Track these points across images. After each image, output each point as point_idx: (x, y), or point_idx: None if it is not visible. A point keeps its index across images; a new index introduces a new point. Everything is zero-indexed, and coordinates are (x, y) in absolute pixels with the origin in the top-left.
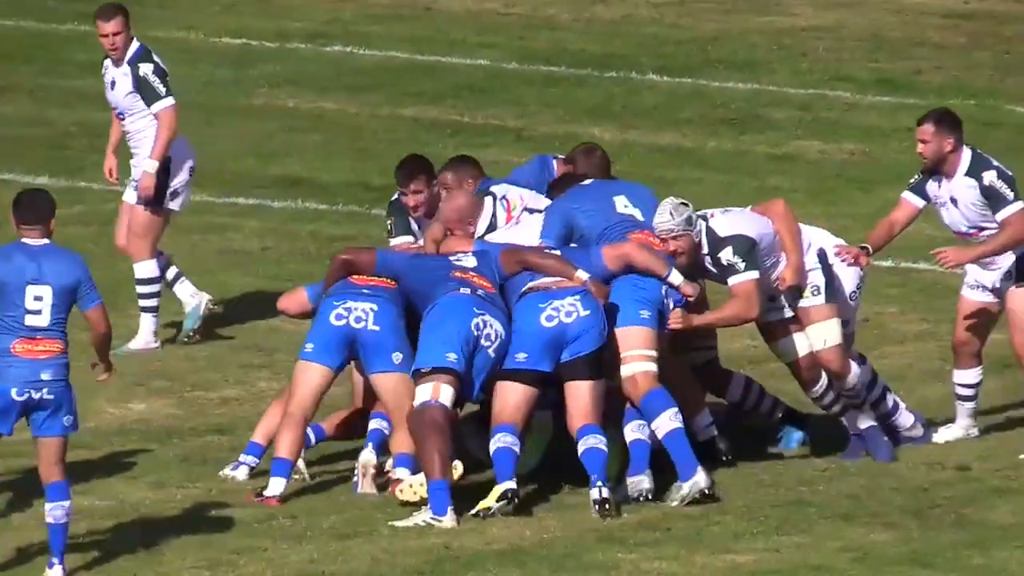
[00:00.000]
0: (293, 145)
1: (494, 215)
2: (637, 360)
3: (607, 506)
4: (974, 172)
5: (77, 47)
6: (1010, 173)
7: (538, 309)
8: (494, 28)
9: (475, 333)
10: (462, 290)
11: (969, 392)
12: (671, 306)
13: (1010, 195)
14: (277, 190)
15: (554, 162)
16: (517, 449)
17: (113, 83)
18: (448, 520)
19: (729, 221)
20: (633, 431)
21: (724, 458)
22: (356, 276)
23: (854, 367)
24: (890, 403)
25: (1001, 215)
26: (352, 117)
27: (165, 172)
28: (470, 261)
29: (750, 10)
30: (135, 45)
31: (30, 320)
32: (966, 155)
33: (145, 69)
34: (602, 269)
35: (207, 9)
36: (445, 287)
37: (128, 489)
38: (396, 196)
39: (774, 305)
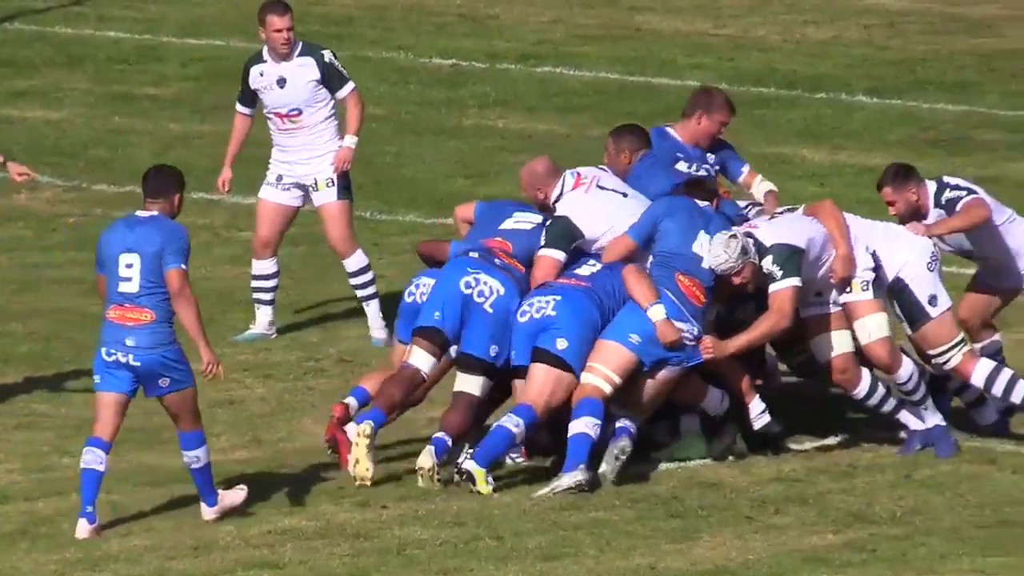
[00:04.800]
0: (503, 165)
1: (563, 184)
2: (595, 374)
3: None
4: (936, 201)
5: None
6: (962, 183)
7: (520, 308)
8: (704, 49)
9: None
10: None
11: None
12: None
13: (963, 194)
14: None
15: (669, 130)
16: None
17: (282, 81)
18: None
19: (773, 229)
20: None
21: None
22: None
23: (906, 361)
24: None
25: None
26: (562, 138)
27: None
28: (587, 269)
29: (960, 31)
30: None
31: (123, 287)
32: (931, 189)
33: (328, 55)
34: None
35: (418, 29)
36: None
37: (334, 508)
38: None
39: (818, 300)
